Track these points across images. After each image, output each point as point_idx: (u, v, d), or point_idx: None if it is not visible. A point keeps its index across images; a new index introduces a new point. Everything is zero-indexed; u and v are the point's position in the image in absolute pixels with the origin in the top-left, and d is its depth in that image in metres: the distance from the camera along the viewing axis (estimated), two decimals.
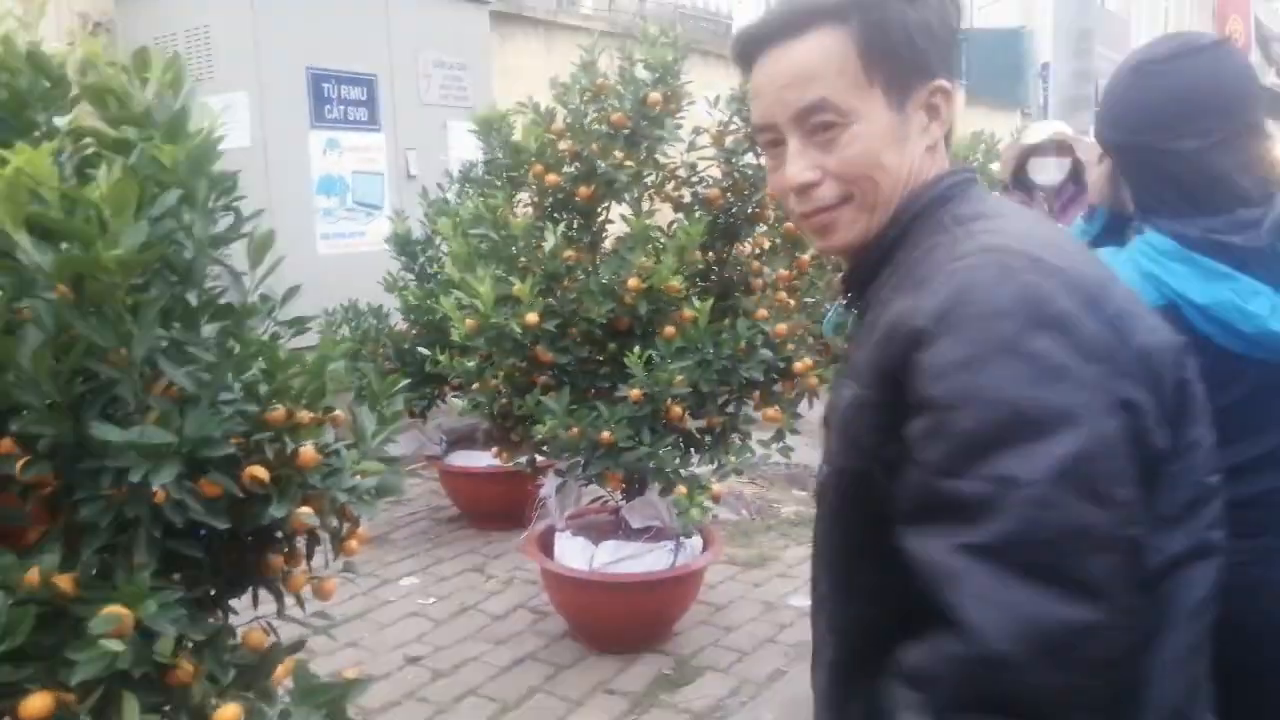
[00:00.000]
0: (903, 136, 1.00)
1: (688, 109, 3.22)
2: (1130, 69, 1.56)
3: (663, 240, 3.06)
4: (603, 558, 3.29)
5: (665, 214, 3.39)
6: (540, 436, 2.84)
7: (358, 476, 2.01)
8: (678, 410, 2.88)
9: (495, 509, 4.48)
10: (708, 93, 3.18)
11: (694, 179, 3.23)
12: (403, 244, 4.39)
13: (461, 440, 4.62)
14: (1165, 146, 1.52)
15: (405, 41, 5.36)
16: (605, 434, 2.81)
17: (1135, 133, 1.57)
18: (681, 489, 2.84)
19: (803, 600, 3.82)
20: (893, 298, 0.95)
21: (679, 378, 2.86)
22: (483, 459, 4.39)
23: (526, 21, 7.15)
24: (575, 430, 2.83)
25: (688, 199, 3.26)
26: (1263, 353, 1.46)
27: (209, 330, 1.64)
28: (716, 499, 2.99)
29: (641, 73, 2.98)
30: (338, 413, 2.18)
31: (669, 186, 3.31)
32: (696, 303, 2.81)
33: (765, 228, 3.23)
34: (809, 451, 5.85)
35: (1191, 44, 1.53)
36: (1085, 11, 7.37)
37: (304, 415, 2.05)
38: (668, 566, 3.30)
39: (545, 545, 3.47)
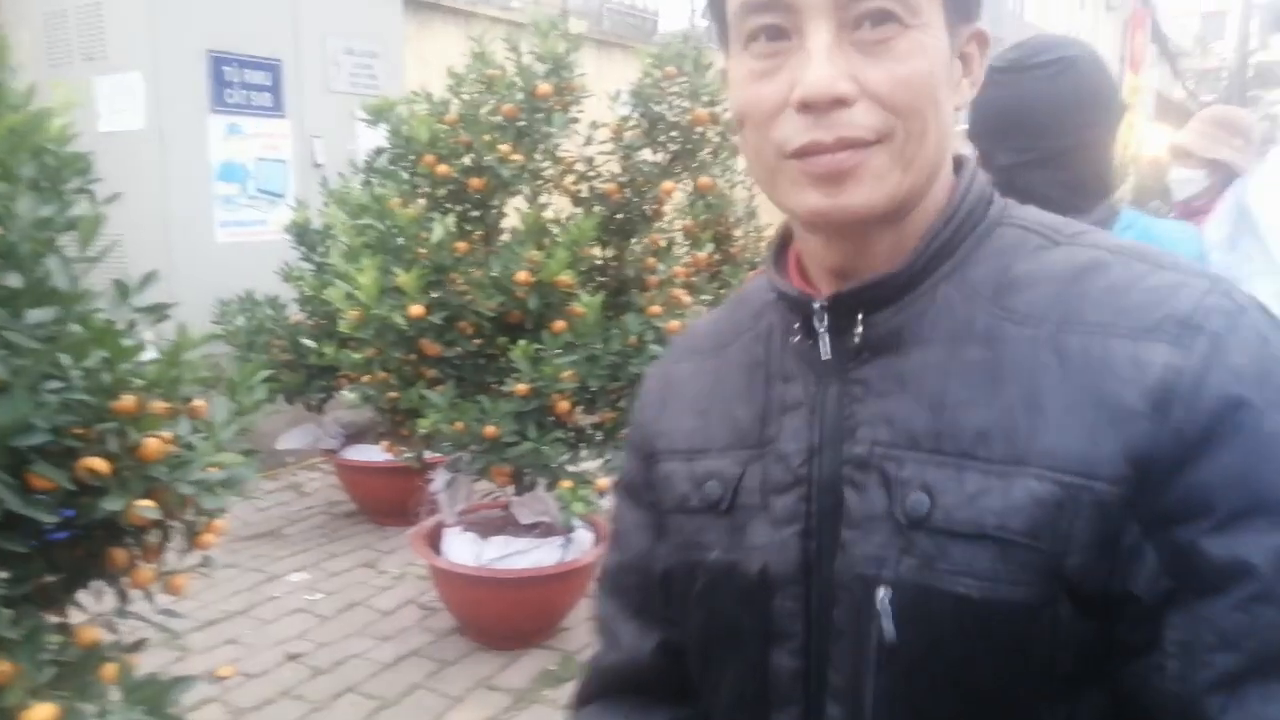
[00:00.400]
0: (952, 79, 0.71)
1: (585, 102, 3.22)
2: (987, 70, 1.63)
3: (558, 235, 3.05)
4: (490, 553, 3.27)
5: (566, 208, 3.38)
6: (424, 430, 2.81)
7: (211, 469, 1.97)
8: (565, 405, 2.87)
9: (392, 504, 4.41)
10: (627, 87, 3.18)
11: (590, 174, 3.22)
12: (301, 233, 4.29)
13: (359, 434, 4.54)
14: (985, 154, 1.59)
15: (312, 26, 5.25)
16: (489, 428, 2.78)
17: (972, 138, 1.64)
18: (566, 484, 2.83)
19: None
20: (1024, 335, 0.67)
21: (567, 373, 2.85)
22: (379, 453, 4.31)
23: (444, 10, 7.06)
24: (459, 425, 2.80)
25: (585, 194, 3.25)
26: None
27: (40, 316, 1.58)
28: (603, 493, 2.99)
29: (537, 65, 2.96)
30: (198, 403, 2.13)
31: (568, 180, 3.30)
32: (585, 298, 2.80)
33: (660, 224, 3.24)
34: None
35: (1029, 58, 1.56)
36: (998, 21, 7.55)
37: (157, 405, 1.99)
38: (555, 561, 3.29)
39: (435, 541, 3.43)
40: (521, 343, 2.74)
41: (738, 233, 7.98)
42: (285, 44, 5.15)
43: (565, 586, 3.38)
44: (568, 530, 3.36)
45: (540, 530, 3.34)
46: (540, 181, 3.32)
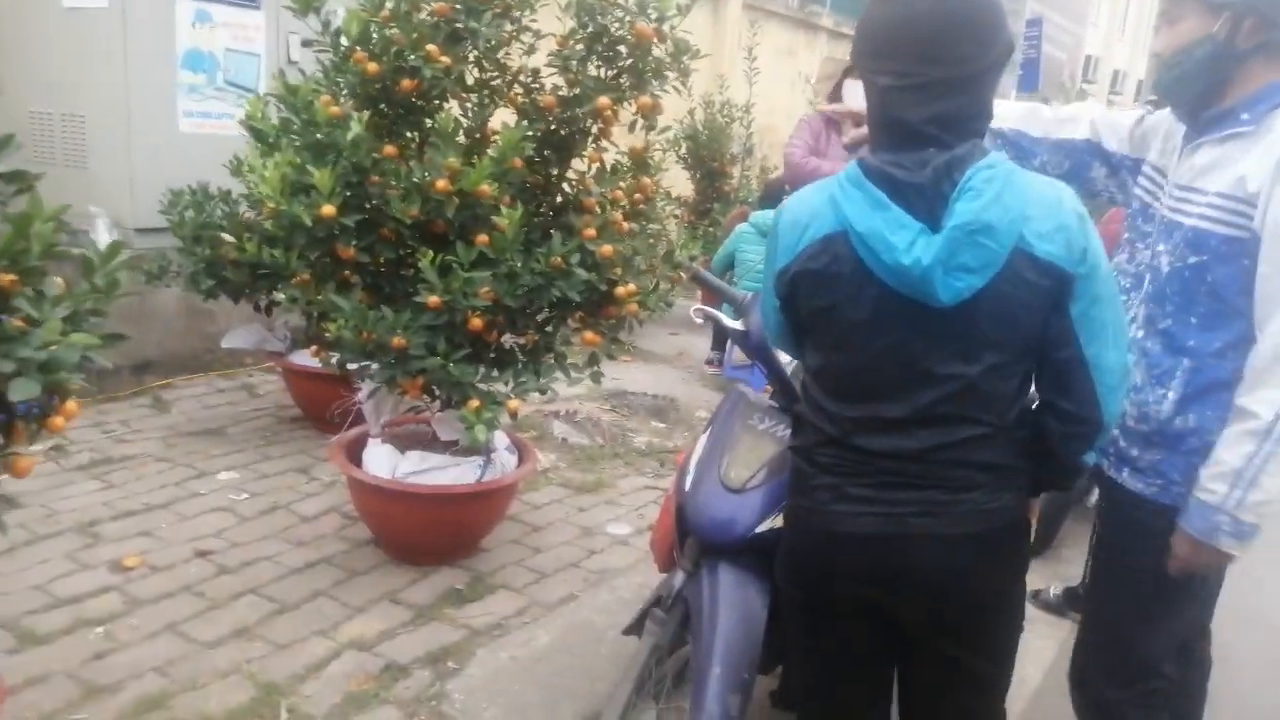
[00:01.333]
0: None
1: (538, 8, 3.08)
2: None
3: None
4: (406, 467, 3.22)
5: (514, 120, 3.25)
6: (330, 337, 2.73)
7: (53, 348, 1.89)
8: (478, 322, 2.78)
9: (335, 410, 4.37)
10: None
11: (534, 86, 3.09)
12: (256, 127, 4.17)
13: (307, 338, 4.48)
14: (868, 76, 1.52)
15: None
16: (396, 339, 2.71)
17: (854, 56, 1.56)
18: (473, 403, 2.76)
19: (620, 528, 3.81)
20: None
21: (485, 289, 2.76)
22: None
23: None
24: (367, 333, 2.72)
25: (529, 108, 3.13)
26: (904, 287, 1.47)
27: None
28: (514, 414, 2.92)
29: None
30: (56, 279, 2.05)
31: (514, 91, 3.17)
32: (506, 211, 2.70)
33: (600, 145, 3.11)
34: (667, 382, 5.85)
35: None
36: None
37: (3, 278, 1.92)
38: (473, 480, 3.24)
39: (357, 451, 3.38)
40: (430, 253, 2.64)
41: (733, 169, 7.83)
42: None
43: (481, 507, 3.34)
44: (488, 449, 3.31)
45: (462, 448, 3.29)
46: (486, 90, 3.20)
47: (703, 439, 2.41)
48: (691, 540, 2.29)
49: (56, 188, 4.96)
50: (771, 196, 5.69)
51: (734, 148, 7.79)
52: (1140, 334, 1.94)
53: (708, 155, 7.60)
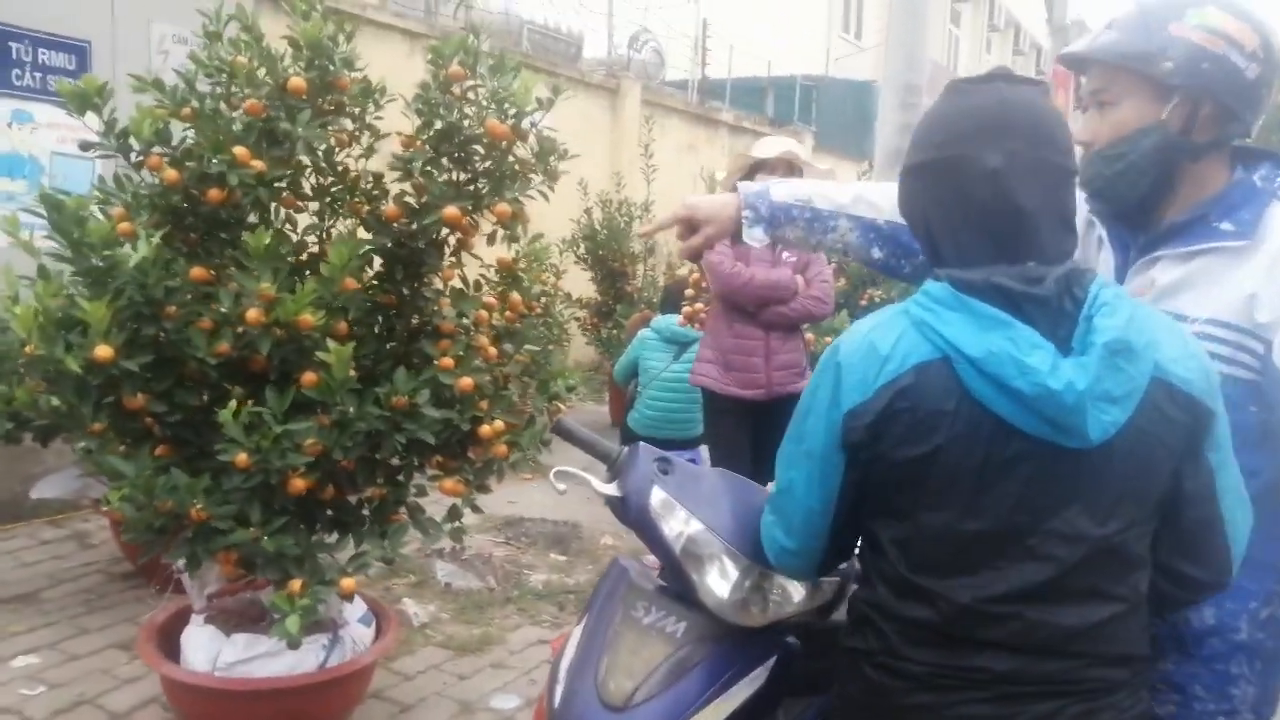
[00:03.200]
0: None
1: (384, 104, 2.63)
2: (945, 90, 1.38)
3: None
4: (230, 655, 2.62)
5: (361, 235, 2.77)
6: (111, 506, 2.16)
7: None
8: (299, 484, 2.24)
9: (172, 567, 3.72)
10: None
11: (375, 193, 2.63)
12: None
13: None
14: (970, 159, 1.29)
15: (132, 7, 4.57)
16: (195, 510, 2.15)
17: (940, 147, 1.33)
18: (294, 585, 2.20)
19: (507, 700, 3.24)
20: None
21: (309, 441, 2.24)
22: None
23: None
24: (164, 503, 2.16)
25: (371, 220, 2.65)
26: (1038, 423, 1.20)
27: None
28: (348, 595, 2.37)
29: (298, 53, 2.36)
30: None
31: (357, 199, 2.70)
32: (333, 346, 2.19)
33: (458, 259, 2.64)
34: (570, 504, 5.29)
35: (1011, 72, 1.37)
36: (912, 66, 7.17)
37: None
38: (316, 666, 2.65)
39: (178, 632, 2.76)
40: (233, 402, 2.12)
41: (634, 269, 7.49)
42: (98, 25, 4.47)
43: (327, 698, 2.74)
44: (335, 625, 2.73)
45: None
46: (326, 198, 2.72)
47: (576, 631, 1.90)
48: None
49: None
50: (672, 300, 5.30)
51: (635, 247, 7.45)
52: None
53: (607, 255, 7.25)
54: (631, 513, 1.78)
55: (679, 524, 1.74)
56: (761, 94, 13.84)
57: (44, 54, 4.29)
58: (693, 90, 12.50)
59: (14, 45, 4.18)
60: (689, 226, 1.81)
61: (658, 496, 1.75)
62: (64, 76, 4.36)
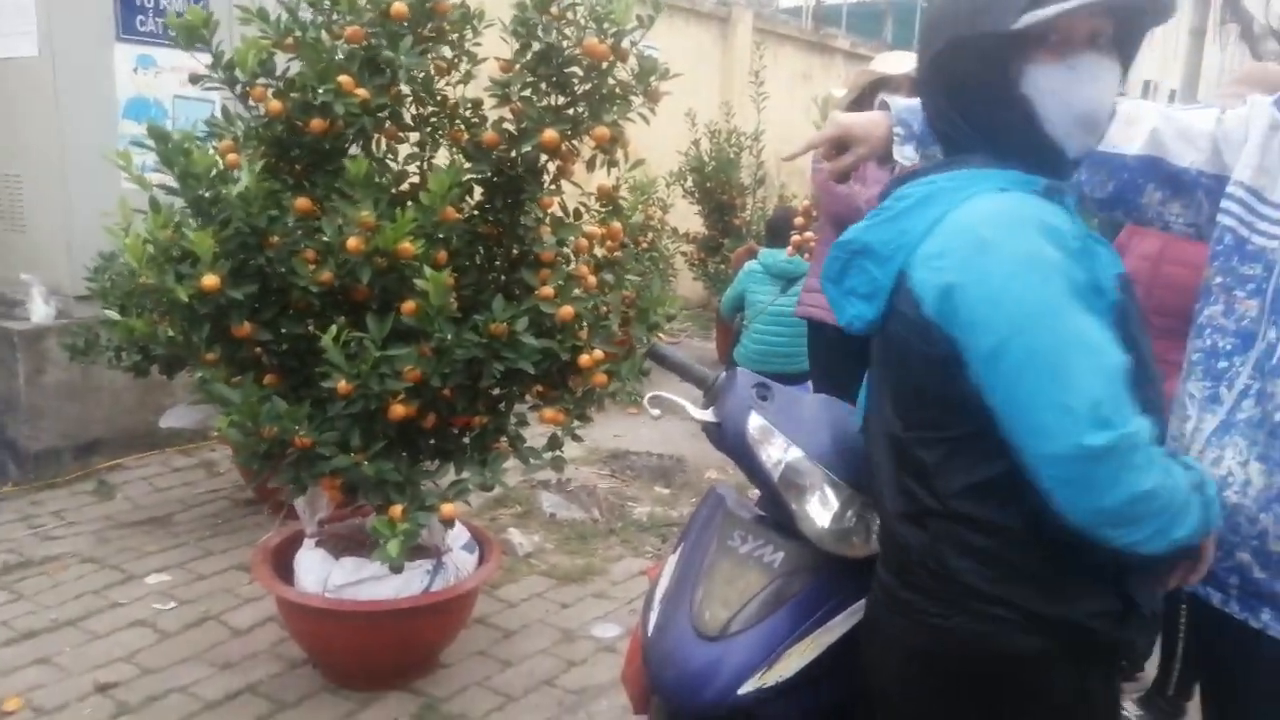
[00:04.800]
0: None
1: (482, 30, 2.59)
2: None
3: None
4: (339, 578, 2.70)
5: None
6: (218, 434, 2.23)
7: None
8: (399, 410, 2.26)
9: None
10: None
11: (474, 120, 2.60)
12: None
13: None
14: None
15: None
16: (299, 437, 2.19)
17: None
18: (395, 510, 2.23)
19: (608, 629, 3.26)
20: None
21: (409, 368, 2.25)
22: None
23: None
24: (268, 429, 2.21)
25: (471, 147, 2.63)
26: None
27: None
28: (449, 521, 2.39)
29: None
30: None
31: (457, 127, 2.68)
32: (430, 273, 2.19)
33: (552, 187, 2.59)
34: (675, 438, 5.25)
35: None
36: None
37: None
38: (421, 590, 2.71)
39: (290, 556, 2.86)
40: (334, 329, 2.14)
41: (743, 202, 7.32)
42: None
43: (431, 621, 2.80)
44: (439, 551, 2.78)
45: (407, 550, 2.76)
46: (427, 128, 2.71)
47: (672, 559, 1.87)
48: (656, 702, 1.75)
49: None
50: (779, 232, 5.15)
51: (744, 178, 7.28)
52: (1257, 414, 1.38)
53: (715, 187, 7.09)
54: (728, 439, 1.72)
55: (778, 451, 1.67)
56: (880, 18, 13.28)
57: None
58: (807, 17, 12.07)
59: None
60: (838, 146, 1.66)
61: (755, 422, 1.68)
62: None
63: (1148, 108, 1.61)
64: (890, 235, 1.30)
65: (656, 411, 1.80)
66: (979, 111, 1.30)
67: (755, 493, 1.89)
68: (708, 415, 1.74)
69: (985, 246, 1.20)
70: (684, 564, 1.79)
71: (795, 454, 1.66)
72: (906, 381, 1.32)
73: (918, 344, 1.26)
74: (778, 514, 1.73)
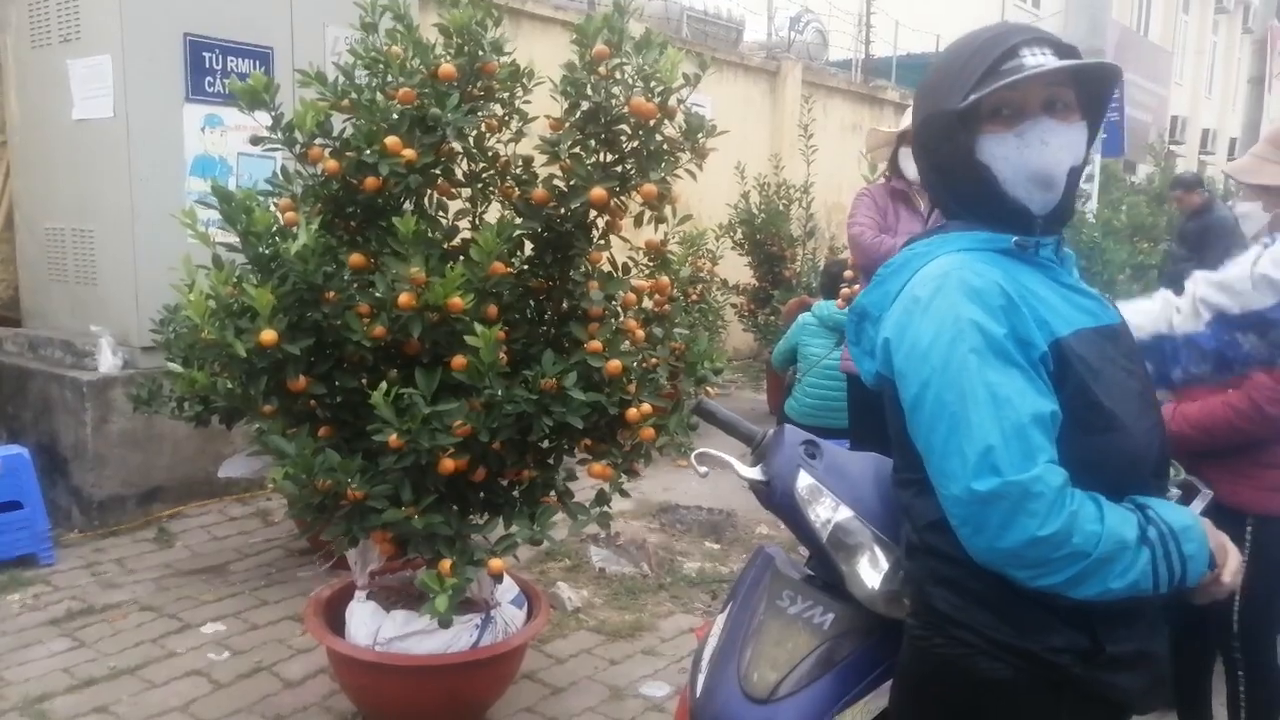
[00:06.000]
0: None
1: (532, 88, 2.64)
2: None
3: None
4: (389, 631, 2.70)
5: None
6: (273, 485, 2.26)
7: None
8: (449, 464, 2.28)
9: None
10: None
11: (524, 178, 2.64)
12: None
13: None
14: None
15: (309, 13, 4.82)
16: (352, 490, 2.22)
17: None
18: (444, 565, 2.24)
19: (657, 688, 3.21)
20: None
21: (458, 423, 2.27)
22: None
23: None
24: (320, 482, 2.24)
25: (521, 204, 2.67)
26: None
27: None
28: (497, 575, 2.39)
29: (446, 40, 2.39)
30: None
31: (507, 185, 2.73)
32: (481, 329, 2.21)
33: (600, 241, 2.62)
34: (724, 491, 5.21)
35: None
36: (1095, 31, 6.69)
37: None
38: (469, 645, 2.71)
39: (341, 607, 2.88)
40: (384, 384, 2.17)
41: (793, 253, 7.31)
42: (279, 31, 4.73)
43: (480, 676, 2.79)
44: (487, 605, 2.78)
45: (456, 604, 2.76)
46: (479, 184, 2.76)
47: (720, 619, 1.84)
48: None
49: (69, 306, 4.74)
50: (832, 284, 5.13)
51: (795, 230, 7.28)
52: None
53: (765, 239, 7.11)
54: (776, 498, 1.70)
55: (826, 511, 1.65)
56: (928, 70, 13.28)
57: (232, 61, 4.57)
58: (856, 69, 12.14)
59: (206, 55, 4.47)
60: None
61: (804, 481, 1.67)
62: None
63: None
64: (878, 298, 1.45)
65: (704, 469, 1.79)
66: (951, 179, 1.43)
67: (804, 551, 1.87)
68: (755, 473, 1.73)
69: (915, 305, 1.33)
70: (732, 624, 1.77)
71: (844, 514, 1.64)
72: (892, 429, 1.45)
73: (890, 394, 1.41)
74: (827, 574, 1.71)
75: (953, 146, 1.38)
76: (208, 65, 4.51)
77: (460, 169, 2.70)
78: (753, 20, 12.65)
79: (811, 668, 1.63)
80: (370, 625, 2.73)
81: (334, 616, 2.84)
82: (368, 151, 2.29)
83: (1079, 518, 1.22)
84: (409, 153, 2.32)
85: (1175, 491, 1.51)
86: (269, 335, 2.21)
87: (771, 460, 1.72)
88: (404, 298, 2.26)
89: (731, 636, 1.74)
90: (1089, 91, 1.41)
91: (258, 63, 4.66)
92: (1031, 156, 1.35)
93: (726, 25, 12.22)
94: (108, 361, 4.36)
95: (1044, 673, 1.31)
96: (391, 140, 2.30)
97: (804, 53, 11.41)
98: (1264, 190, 2.46)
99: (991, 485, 1.21)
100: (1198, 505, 1.49)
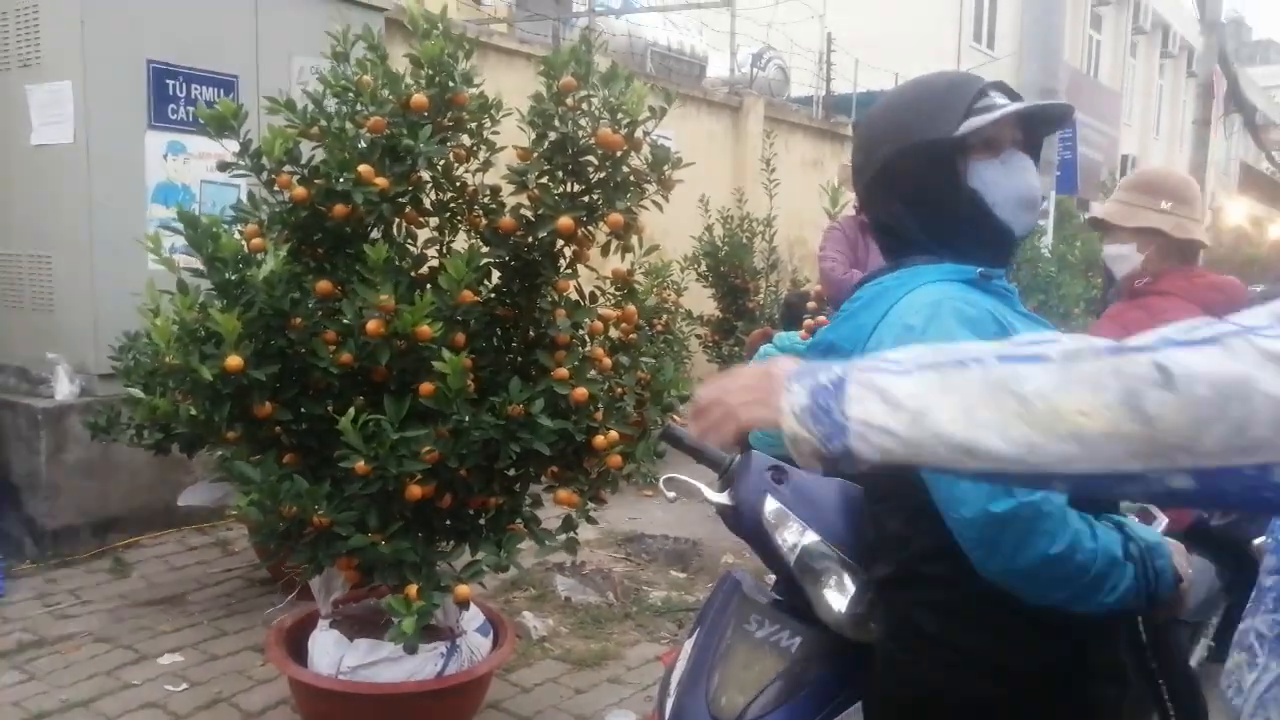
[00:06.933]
0: None
1: (500, 119, 2.67)
2: None
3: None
4: (353, 659, 2.67)
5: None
6: (237, 512, 2.25)
7: None
8: (415, 490, 2.28)
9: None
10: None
11: (493, 207, 2.67)
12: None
13: None
14: None
15: (275, 42, 4.83)
16: (317, 516, 2.21)
17: None
18: (411, 589, 2.23)
19: (622, 718, 3.20)
20: None
21: (426, 450, 2.27)
22: None
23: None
24: (287, 509, 2.23)
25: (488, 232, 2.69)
26: None
27: None
28: (463, 602, 2.39)
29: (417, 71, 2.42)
30: None
31: (475, 213, 2.75)
32: (449, 355, 2.22)
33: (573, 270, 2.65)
34: (690, 521, 5.24)
35: None
36: (1048, 73, 6.88)
37: None
38: (434, 674, 2.68)
39: (304, 636, 2.85)
40: (351, 410, 2.17)
41: (756, 285, 7.40)
42: (244, 59, 4.74)
43: (445, 706, 2.77)
44: (453, 633, 2.76)
45: (422, 632, 2.74)
46: (446, 213, 2.78)
47: (688, 643, 1.86)
48: None
49: (25, 333, 4.66)
50: (794, 315, 5.20)
51: (757, 263, 7.37)
52: None
53: (729, 271, 7.18)
54: (744, 523, 1.73)
55: (793, 535, 1.68)
56: None
57: (196, 89, 4.57)
58: (817, 106, 12.35)
59: (170, 82, 4.46)
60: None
61: (771, 506, 1.69)
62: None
63: None
64: (849, 331, 1.47)
65: (672, 494, 1.81)
66: (930, 208, 1.46)
67: (771, 577, 1.89)
68: (723, 498, 1.75)
69: (909, 332, 1.35)
70: (700, 648, 1.78)
71: (811, 538, 1.67)
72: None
73: None
74: (794, 599, 1.73)
75: (940, 174, 1.44)
76: (171, 92, 4.49)
77: (428, 198, 2.72)
78: (716, 56, 12.85)
79: (779, 691, 1.65)
80: (334, 654, 2.70)
81: (296, 646, 2.81)
82: (340, 179, 2.30)
83: (1080, 535, 1.27)
84: (381, 181, 2.34)
85: (1133, 517, 1.56)
86: (234, 361, 2.20)
87: (739, 485, 1.75)
88: (373, 325, 2.26)
89: (699, 660, 1.76)
90: (1035, 132, 1.52)
91: (222, 90, 4.65)
92: (1019, 180, 1.46)
93: (690, 61, 12.40)
94: (64, 389, 4.30)
95: (1033, 689, 1.36)
96: (364, 168, 2.32)
97: (766, 89, 11.59)
98: (1139, 233, 2.60)
99: (1008, 506, 1.24)
100: (1157, 527, 1.54)
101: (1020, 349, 0.85)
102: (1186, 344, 0.77)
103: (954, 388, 0.85)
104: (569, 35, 10.69)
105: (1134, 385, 0.77)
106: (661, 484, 1.81)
